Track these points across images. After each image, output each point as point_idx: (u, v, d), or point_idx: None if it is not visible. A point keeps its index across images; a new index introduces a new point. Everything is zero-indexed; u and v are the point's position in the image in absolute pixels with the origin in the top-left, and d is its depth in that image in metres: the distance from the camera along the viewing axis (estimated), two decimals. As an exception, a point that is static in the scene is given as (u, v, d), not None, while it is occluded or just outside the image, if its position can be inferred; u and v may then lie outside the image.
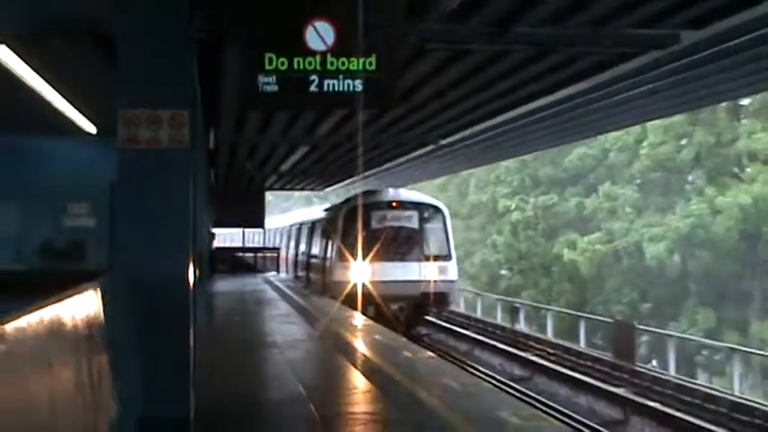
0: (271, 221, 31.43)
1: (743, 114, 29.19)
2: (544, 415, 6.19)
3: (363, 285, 14.62)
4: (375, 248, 15.26)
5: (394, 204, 16.22)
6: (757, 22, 6.56)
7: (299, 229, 22.43)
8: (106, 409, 3.77)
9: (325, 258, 17.00)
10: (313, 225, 20.10)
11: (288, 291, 17.09)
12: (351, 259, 15.27)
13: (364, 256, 15.10)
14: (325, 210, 20.15)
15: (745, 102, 27.45)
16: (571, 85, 9.09)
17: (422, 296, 15.61)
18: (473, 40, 7.00)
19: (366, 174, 19.95)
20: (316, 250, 18.82)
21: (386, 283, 14.97)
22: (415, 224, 16.14)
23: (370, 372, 7.00)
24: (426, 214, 16.45)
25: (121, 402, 4.22)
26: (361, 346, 8.65)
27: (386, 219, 15.92)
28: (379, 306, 14.63)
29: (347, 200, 17.76)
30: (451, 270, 16.14)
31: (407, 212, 16.16)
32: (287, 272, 23.70)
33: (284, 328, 10.40)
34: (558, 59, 8.07)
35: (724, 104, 25.80)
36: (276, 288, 17.73)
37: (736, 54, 7.81)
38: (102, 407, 3.64)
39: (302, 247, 21.48)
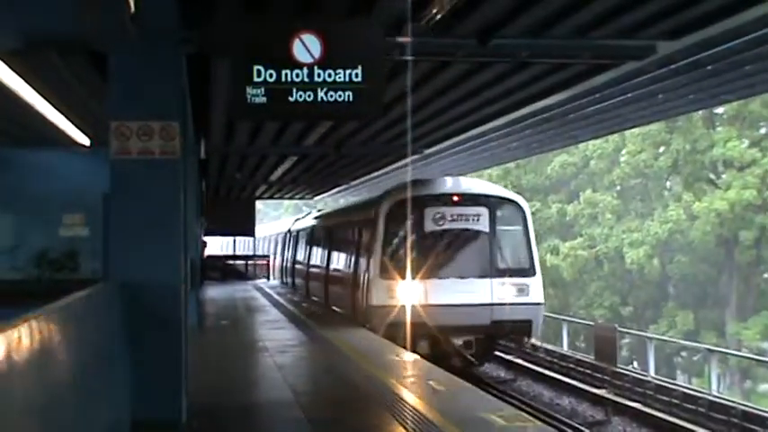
0: (267, 227, 30.49)
1: (718, 122, 29.78)
2: (528, 416, 6.36)
3: (414, 311, 11.00)
4: (430, 260, 11.44)
5: (455, 198, 11.87)
6: (731, 34, 6.81)
7: (311, 233, 17.98)
8: (100, 413, 3.87)
9: (356, 273, 12.65)
10: (329, 229, 15.95)
11: (280, 299, 17.06)
12: (397, 276, 11.37)
13: (415, 272, 11.28)
14: (353, 207, 16.20)
15: (719, 110, 27.98)
16: (551, 94, 9.32)
17: (493, 326, 11.56)
18: (455, 52, 7.19)
19: (352, 183, 20.02)
20: (339, 262, 14.44)
21: (445, 309, 11.13)
22: (484, 226, 11.85)
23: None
24: (500, 212, 12.06)
25: (114, 406, 4.32)
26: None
27: (445, 218, 11.69)
28: (435, 339, 11.13)
29: (387, 192, 12.90)
30: (535, 290, 11.91)
31: (474, 209, 11.81)
32: (292, 285, 20.57)
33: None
34: (537, 70, 8.29)
35: (700, 113, 26.28)
36: (277, 303, 16.73)
37: (711, 64, 8.07)
38: (95, 410, 3.75)
39: (315, 258, 16.93)
